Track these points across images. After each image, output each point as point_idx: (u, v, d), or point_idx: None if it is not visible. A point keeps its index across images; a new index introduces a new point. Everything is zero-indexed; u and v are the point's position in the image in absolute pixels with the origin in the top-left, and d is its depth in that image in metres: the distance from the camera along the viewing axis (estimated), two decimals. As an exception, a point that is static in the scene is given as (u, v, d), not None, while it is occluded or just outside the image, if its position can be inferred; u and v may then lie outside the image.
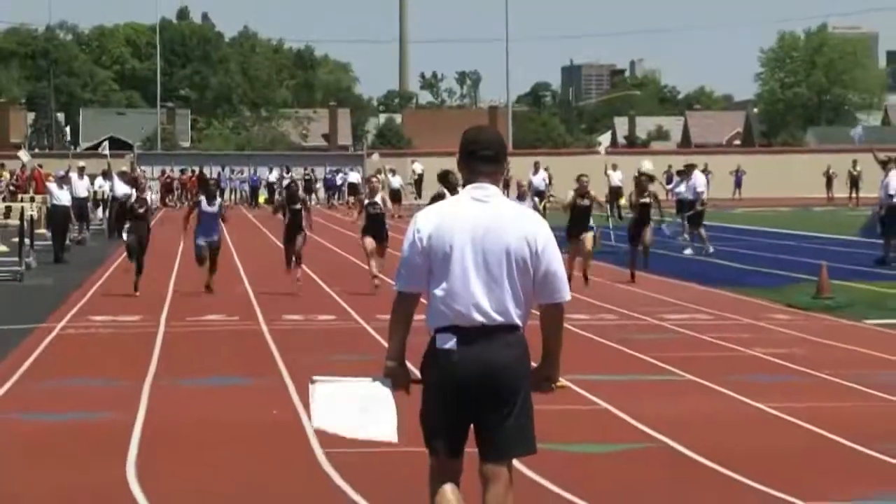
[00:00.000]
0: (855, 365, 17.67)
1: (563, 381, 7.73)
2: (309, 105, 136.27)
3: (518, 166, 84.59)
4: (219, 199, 29.11)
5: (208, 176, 29.06)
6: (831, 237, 43.50)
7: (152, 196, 43.65)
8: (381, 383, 7.52)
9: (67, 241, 38.09)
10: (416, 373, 7.57)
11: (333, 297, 26.83)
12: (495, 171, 7.52)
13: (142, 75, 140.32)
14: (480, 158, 7.50)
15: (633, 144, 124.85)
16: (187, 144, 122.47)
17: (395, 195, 65.44)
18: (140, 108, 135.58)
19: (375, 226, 27.69)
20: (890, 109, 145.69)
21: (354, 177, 78.02)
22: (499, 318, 7.27)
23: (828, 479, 11.52)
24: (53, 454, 12.77)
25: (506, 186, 45.85)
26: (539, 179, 58.86)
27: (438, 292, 7.34)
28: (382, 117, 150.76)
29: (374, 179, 30.24)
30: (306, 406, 14.80)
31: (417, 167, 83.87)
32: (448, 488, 7.40)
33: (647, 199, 31.68)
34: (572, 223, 28.61)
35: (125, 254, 29.13)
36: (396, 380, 7.55)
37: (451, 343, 7.28)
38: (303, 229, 28.31)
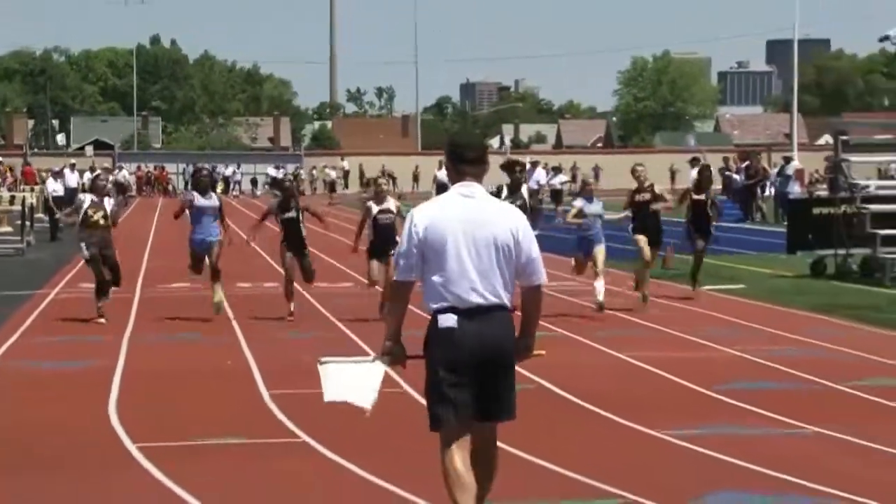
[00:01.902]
0: (695, 322, 17.81)
1: (540, 351, 7.52)
2: (257, 114, 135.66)
3: (424, 164, 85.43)
4: (215, 193, 19.18)
5: (202, 169, 22.56)
6: (675, 220, 43.65)
7: (117, 199, 29.38)
8: (380, 361, 7.23)
9: (60, 224, 37.97)
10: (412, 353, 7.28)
11: (276, 267, 26.64)
12: (479, 171, 7.15)
13: (121, 90, 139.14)
14: (467, 161, 7.12)
15: (518, 146, 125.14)
16: (159, 145, 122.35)
17: (332, 186, 73.18)
18: (120, 117, 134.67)
19: (384, 241, 17.71)
20: (720, 119, 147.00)
21: (273, 171, 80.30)
22: (493, 299, 6.92)
23: (670, 413, 11.59)
24: (50, 392, 12.91)
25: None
26: (533, 180, 47.23)
27: (437, 278, 6.94)
28: (317, 124, 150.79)
29: (381, 181, 18.94)
30: (256, 357, 15.00)
31: (345, 164, 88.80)
32: (458, 455, 6.95)
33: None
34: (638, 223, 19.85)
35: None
36: (395, 357, 7.21)
37: (452, 322, 6.88)
38: (305, 245, 18.81)
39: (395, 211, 17.93)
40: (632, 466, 9.48)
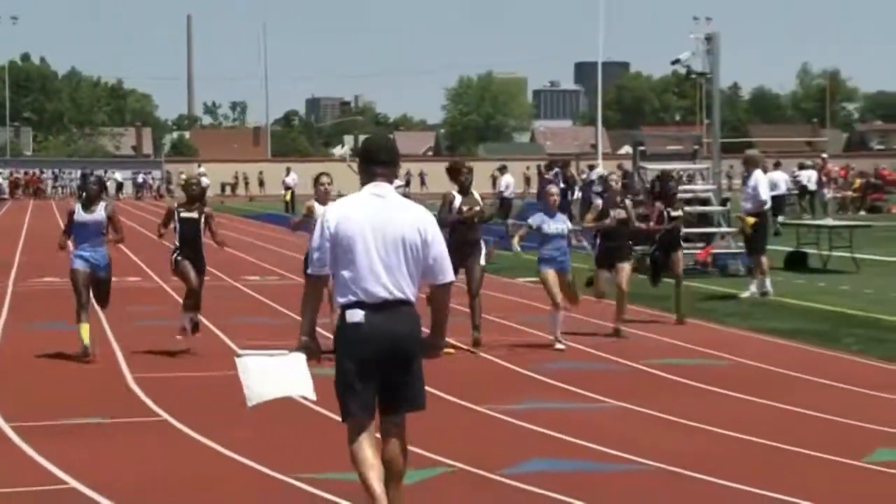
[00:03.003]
0: (513, 310, 17.96)
1: (449, 349, 7.11)
2: (121, 125, 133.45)
3: (273, 170, 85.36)
4: (103, 203, 13.88)
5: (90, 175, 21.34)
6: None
7: None
8: (297, 355, 6.96)
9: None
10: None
11: (139, 263, 26.26)
12: (389, 172, 6.82)
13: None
14: (378, 162, 6.76)
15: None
16: (30, 153, 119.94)
17: (203, 192, 71.14)
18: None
19: None
20: (535, 131, 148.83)
21: (120, 175, 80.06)
22: (398, 294, 6.53)
23: (491, 391, 11.69)
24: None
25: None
26: (510, 184, 41.47)
27: (346, 273, 6.56)
28: (176, 134, 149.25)
29: (324, 180, 14.52)
30: (118, 341, 14.80)
31: (203, 170, 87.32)
32: (365, 443, 6.56)
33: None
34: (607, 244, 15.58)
35: None
36: (310, 352, 6.76)
37: (359, 317, 6.49)
38: (204, 261, 14.28)
39: None
40: (457, 438, 9.53)
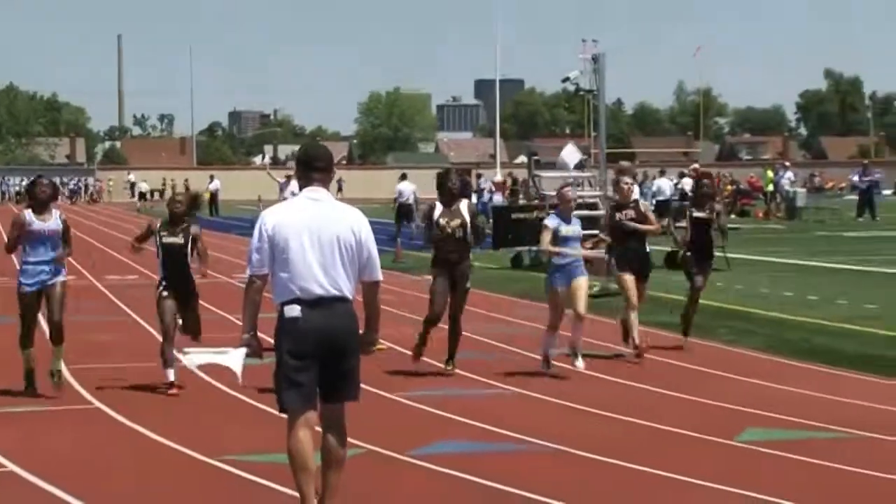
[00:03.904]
0: (423, 305, 17.93)
1: (382, 345, 7.01)
2: (56, 135, 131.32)
3: (198, 177, 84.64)
4: (57, 212, 11.02)
5: (41, 179, 10.68)
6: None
7: None
8: (238, 351, 6.75)
9: None
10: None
11: (71, 261, 25.81)
12: (325, 178, 6.62)
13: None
14: (315, 168, 6.61)
15: (277, 163, 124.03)
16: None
17: (143, 196, 73.08)
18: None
19: None
20: (439, 142, 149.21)
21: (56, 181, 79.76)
22: (334, 292, 6.38)
23: (404, 380, 11.65)
24: None
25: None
26: (409, 191, 35.13)
27: (283, 273, 6.39)
28: (108, 144, 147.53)
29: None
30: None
31: (132, 177, 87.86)
32: (302, 435, 6.41)
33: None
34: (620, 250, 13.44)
35: None
36: (251, 349, 6.57)
37: (296, 312, 6.34)
38: (193, 285, 11.40)
39: None
40: (373, 423, 9.49)
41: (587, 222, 24.88)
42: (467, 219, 11.95)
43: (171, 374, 10.88)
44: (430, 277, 12.37)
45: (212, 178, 62.15)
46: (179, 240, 11.21)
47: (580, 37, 37.98)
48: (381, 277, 6.67)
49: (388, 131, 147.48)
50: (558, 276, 12.03)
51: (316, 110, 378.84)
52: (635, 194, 15.18)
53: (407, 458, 8.37)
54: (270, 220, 6.52)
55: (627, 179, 14.11)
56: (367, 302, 6.70)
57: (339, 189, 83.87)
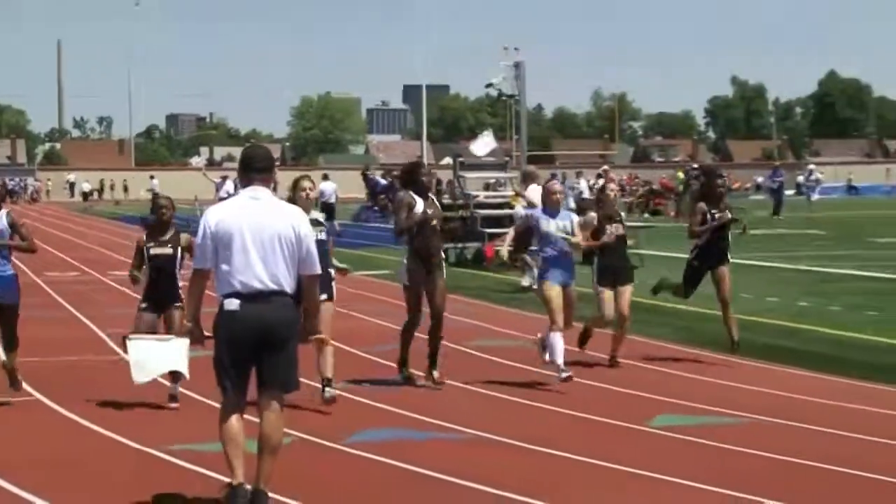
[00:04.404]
0: (349, 300, 17.90)
1: (321, 335, 7.10)
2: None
3: (136, 178, 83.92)
4: (3, 211, 10.03)
5: None
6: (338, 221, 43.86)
7: None
8: (181, 339, 6.73)
9: None
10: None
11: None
12: (266, 178, 6.70)
13: None
14: (255, 169, 6.70)
15: (212, 164, 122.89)
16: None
17: (85, 195, 74.43)
18: None
19: None
20: (369, 144, 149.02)
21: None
22: (273, 286, 6.43)
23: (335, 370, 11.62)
24: None
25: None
26: (330, 190, 37.25)
27: (225, 267, 6.45)
28: (48, 145, 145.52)
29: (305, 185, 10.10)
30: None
31: (72, 177, 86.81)
32: (233, 417, 6.51)
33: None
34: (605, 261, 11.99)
35: None
36: (193, 337, 6.75)
37: (235, 305, 6.40)
38: (180, 299, 9.52)
39: None
40: (305, 412, 9.46)
41: (494, 221, 25.24)
42: (440, 210, 11.23)
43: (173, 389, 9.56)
44: (359, 273, 12.26)
45: (152, 177, 61.64)
46: (168, 250, 9.99)
47: (502, 44, 38.31)
48: (319, 271, 6.75)
49: (320, 134, 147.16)
50: (551, 274, 10.87)
51: (250, 113, 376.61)
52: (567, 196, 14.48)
53: (338, 446, 8.35)
54: (214, 217, 6.59)
55: (613, 186, 12.76)
56: (307, 293, 6.75)
57: (274, 189, 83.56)
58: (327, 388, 9.81)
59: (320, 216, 10.19)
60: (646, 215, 50.10)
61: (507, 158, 28.32)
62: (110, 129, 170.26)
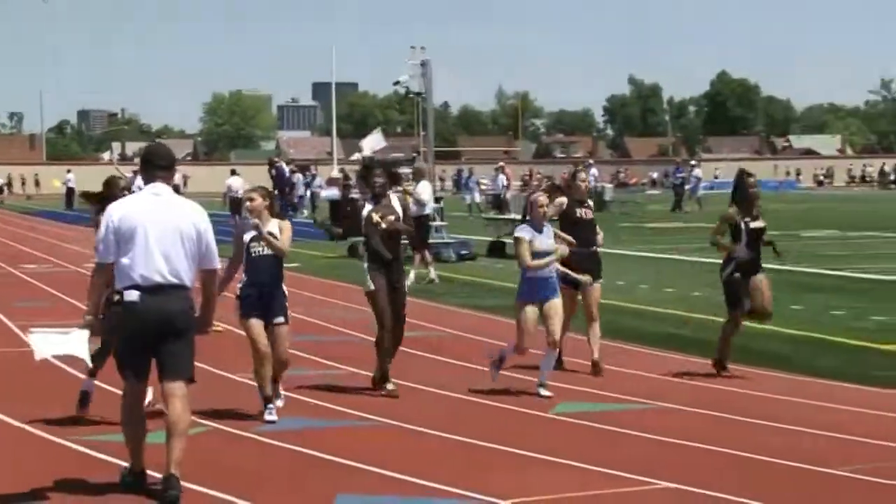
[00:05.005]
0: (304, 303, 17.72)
1: (218, 327, 7.15)
2: None
3: (48, 172, 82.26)
4: None
5: None
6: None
7: None
8: (82, 331, 6.81)
9: None
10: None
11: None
12: (167, 175, 6.76)
13: None
14: (157, 167, 6.76)
15: (124, 159, 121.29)
16: None
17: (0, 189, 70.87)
18: None
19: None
20: (280, 140, 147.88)
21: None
22: (173, 280, 6.51)
23: (245, 361, 11.52)
24: None
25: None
26: (238, 185, 34.70)
27: (125, 261, 6.49)
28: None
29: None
30: None
31: None
32: (134, 405, 6.65)
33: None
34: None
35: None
36: (93, 329, 6.84)
37: (135, 297, 6.46)
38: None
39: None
40: (219, 403, 9.38)
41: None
42: (400, 213, 10.02)
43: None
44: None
45: (69, 171, 60.77)
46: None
47: (409, 43, 38.37)
48: (218, 266, 6.85)
49: (232, 130, 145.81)
50: (529, 293, 9.79)
51: (162, 110, 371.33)
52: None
53: (253, 436, 8.30)
54: (116, 212, 6.64)
55: (583, 175, 11.63)
56: (205, 287, 6.86)
57: (185, 184, 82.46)
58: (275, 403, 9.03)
59: (277, 230, 8.90)
60: (548, 209, 50.49)
61: (414, 154, 28.35)
62: (21, 124, 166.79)
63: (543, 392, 9.78)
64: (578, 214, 11.11)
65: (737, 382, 10.56)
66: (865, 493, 6.88)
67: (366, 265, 10.07)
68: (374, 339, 10.25)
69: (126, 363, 6.62)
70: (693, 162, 55.67)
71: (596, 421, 8.81)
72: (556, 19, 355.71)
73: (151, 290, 6.49)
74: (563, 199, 11.14)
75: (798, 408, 9.41)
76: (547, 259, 9.79)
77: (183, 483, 6.52)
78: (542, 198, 10.10)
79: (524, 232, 9.86)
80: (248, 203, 8.87)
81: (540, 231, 9.93)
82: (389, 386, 9.94)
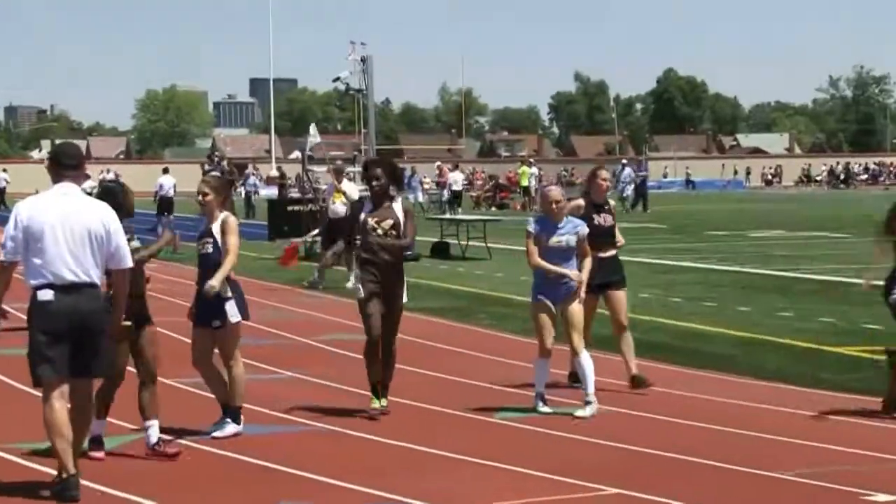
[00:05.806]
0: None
1: (127, 324, 7.28)
2: None
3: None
4: None
5: None
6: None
7: None
8: None
9: None
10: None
11: None
12: (77, 174, 6.95)
13: None
14: (66, 166, 6.92)
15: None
16: None
17: None
18: None
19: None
20: (216, 138, 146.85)
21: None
22: (84, 278, 6.68)
23: (182, 366, 11.48)
24: None
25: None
26: (169, 184, 33.57)
27: (37, 260, 6.66)
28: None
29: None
30: None
31: None
32: (57, 407, 6.72)
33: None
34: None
35: None
36: None
37: (49, 296, 6.64)
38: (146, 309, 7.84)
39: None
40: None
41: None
42: (401, 218, 9.21)
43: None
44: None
45: (4, 170, 60.19)
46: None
47: (349, 38, 38.26)
48: (130, 265, 7.01)
49: (166, 126, 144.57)
50: (545, 290, 9.20)
51: (93, 106, 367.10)
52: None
53: (187, 442, 8.26)
54: (25, 211, 6.76)
55: (604, 174, 10.40)
56: (116, 286, 7.02)
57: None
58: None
59: (218, 232, 8.57)
60: (493, 209, 50.73)
61: (355, 153, 28.34)
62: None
63: (579, 412, 9.13)
64: (597, 222, 9.99)
65: (692, 386, 10.62)
66: (809, 497, 7.01)
67: (356, 272, 9.53)
68: (311, 341, 10.33)
69: (42, 362, 6.68)
70: (624, 161, 56.04)
71: (540, 425, 8.88)
72: (499, 14, 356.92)
73: (65, 288, 6.64)
74: (580, 202, 10.11)
75: (743, 410, 9.55)
76: (555, 270, 9.11)
77: (117, 493, 6.51)
78: (556, 192, 9.33)
79: (531, 226, 9.20)
80: (199, 197, 8.47)
81: (553, 228, 9.17)
82: (374, 404, 9.24)
